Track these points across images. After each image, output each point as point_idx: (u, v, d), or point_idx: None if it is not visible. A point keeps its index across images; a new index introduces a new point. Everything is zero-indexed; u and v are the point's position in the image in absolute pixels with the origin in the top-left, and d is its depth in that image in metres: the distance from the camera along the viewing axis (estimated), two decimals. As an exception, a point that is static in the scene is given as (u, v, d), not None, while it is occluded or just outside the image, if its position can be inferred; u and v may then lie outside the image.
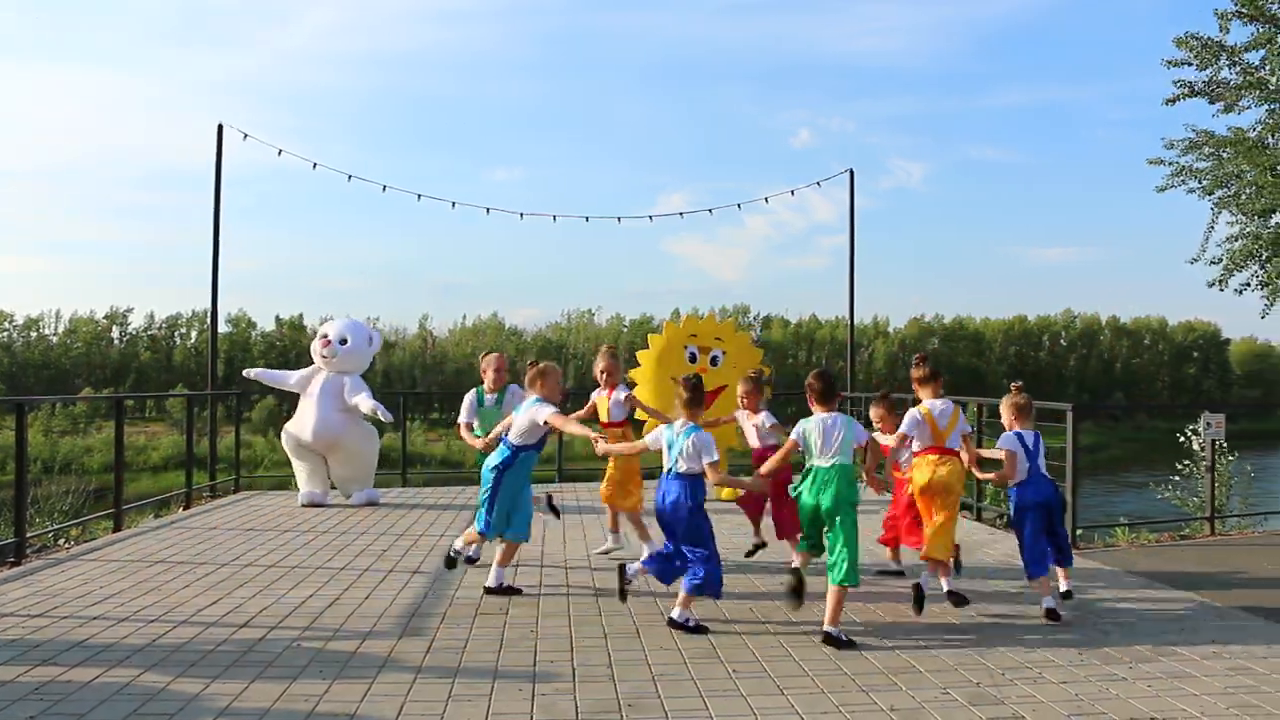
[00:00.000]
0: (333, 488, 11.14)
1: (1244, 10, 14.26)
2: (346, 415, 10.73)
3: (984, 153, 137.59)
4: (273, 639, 5.50)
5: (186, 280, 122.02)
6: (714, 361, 11.05)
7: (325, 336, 10.96)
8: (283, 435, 11.01)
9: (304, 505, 10.69)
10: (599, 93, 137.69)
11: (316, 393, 10.73)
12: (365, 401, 10.60)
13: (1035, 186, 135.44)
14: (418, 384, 70.72)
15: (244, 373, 11.32)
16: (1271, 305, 15.61)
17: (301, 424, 10.71)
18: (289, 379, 11.16)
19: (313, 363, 11.14)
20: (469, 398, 8.64)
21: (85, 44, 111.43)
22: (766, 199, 18.16)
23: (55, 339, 73.89)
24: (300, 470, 10.95)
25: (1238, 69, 14.78)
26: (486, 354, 8.96)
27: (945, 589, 6.16)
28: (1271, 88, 14.55)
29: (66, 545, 8.67)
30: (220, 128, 12.88)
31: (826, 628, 5.49)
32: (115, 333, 75.56)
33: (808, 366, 73.14)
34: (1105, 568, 7.68)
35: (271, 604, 6.30)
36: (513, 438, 6.63)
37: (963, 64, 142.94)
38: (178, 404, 50.33)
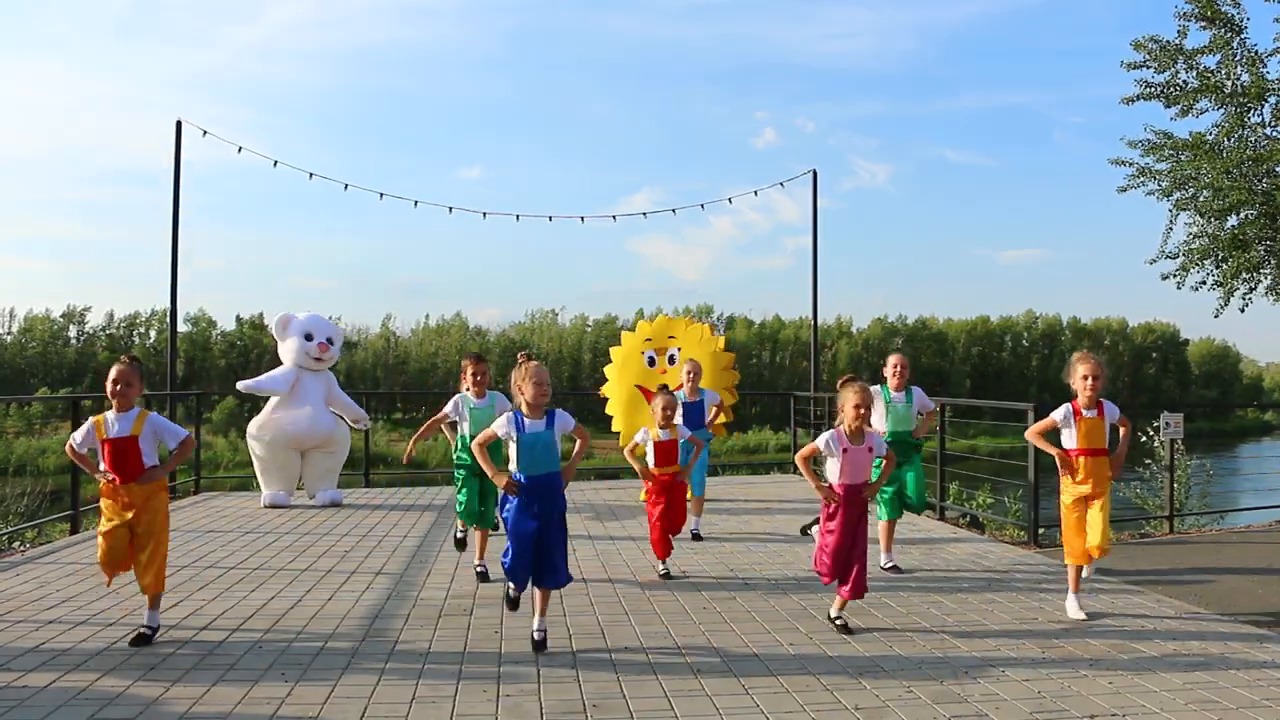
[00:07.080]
0: (299, 488, 11.07)
1: (1202, 14, 14.48)
2: (332, 413, 11.13)
3: (948, 154, 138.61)
4: (234, 641, 5.45)
5: (145, 279, 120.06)
6: (672, 360, 11.14)
7: (326, 341, 11.02)
8: (258, 433, 10.76)
9: (267, 506, 10.60)
10: (563, 91, 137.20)
11: (308, 391, 10.87)
12: (352, 410, 11.33)
13: (999, 188, 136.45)
14: (380, 384, 70.25)
15: (238, 385, 11.20)
16: (1226, 304, 15.89)
17: (296, 421, 10.70)
18: (280, 384, 10.87)
19: (280, 362, 11.12)
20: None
21: (40, 36, 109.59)
22: (730, 199, 18.23)
23: (9, 338, 72.70)
24: (269, 470, 10.82)
25: (1195, 73, 15.01)
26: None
27: None
28: (1227, 92, 14.78)
29: (22, 548, 8.54)
30: (179, 124, 12.75)
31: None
32: (72, 332, 74.45)
33: (771, 367, 73.56)
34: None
35: (233, 606, 6.24)
36: None
37: (927, 67, 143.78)
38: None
